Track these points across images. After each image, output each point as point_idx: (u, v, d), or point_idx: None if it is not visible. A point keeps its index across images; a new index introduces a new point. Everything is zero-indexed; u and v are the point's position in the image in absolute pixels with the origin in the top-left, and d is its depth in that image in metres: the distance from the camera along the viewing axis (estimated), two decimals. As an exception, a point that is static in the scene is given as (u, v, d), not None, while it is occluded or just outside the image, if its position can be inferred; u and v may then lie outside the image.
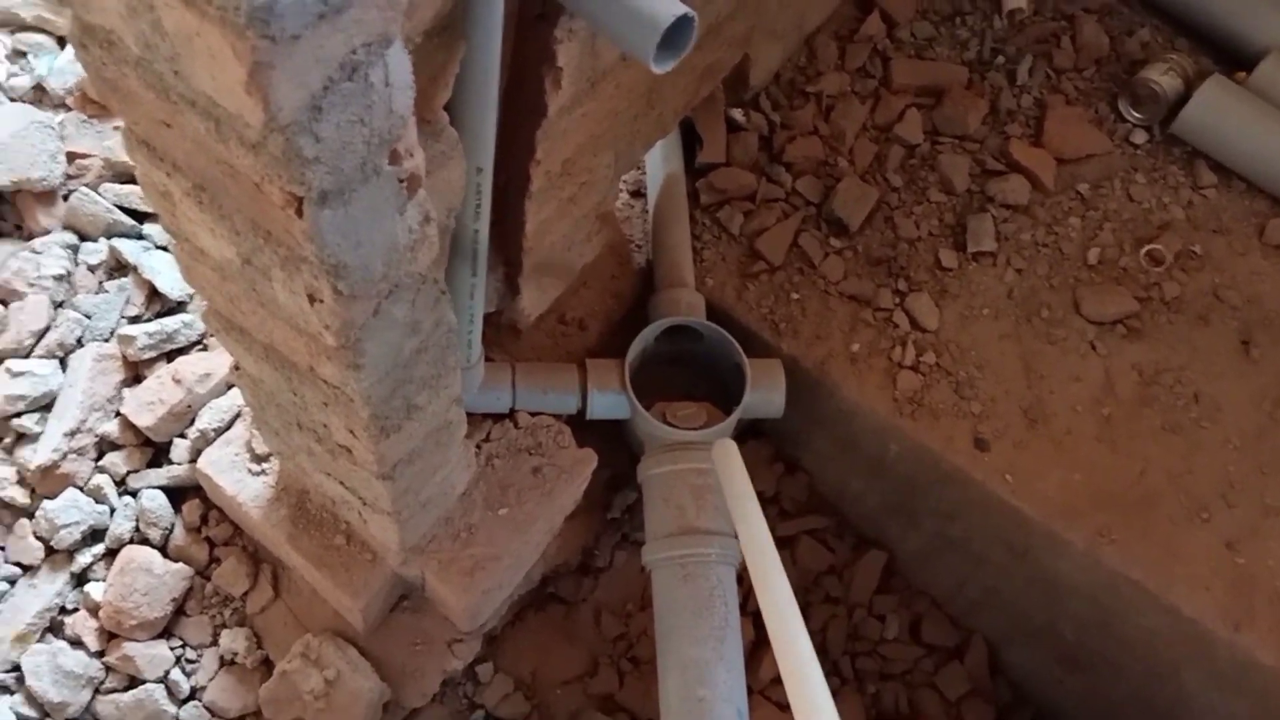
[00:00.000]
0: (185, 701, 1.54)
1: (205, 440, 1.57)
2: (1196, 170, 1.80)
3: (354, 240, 0.80)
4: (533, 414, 1.52)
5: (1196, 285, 1.72)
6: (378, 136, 0.75)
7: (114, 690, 1.53)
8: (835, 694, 1.77)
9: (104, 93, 0.80)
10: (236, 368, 1.21)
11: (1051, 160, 1.77)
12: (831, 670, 1.83)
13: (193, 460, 1.57)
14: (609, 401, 1.54)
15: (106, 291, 1.71)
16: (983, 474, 1.59)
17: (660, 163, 1.71)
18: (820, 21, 1.84)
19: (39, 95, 1.86)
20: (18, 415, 1.60)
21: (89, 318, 1.68)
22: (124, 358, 1.65)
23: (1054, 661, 1.78)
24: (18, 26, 1.92)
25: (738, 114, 1.76)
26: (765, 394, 1.59)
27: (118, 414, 1.62)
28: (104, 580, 1.56)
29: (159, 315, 1.70)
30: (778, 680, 1.79)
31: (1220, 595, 1.52)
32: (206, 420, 1.60)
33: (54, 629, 1.56)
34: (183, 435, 1.62)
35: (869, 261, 1.71)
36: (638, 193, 1.80)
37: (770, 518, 1.86)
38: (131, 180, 1.80)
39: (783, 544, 1.85)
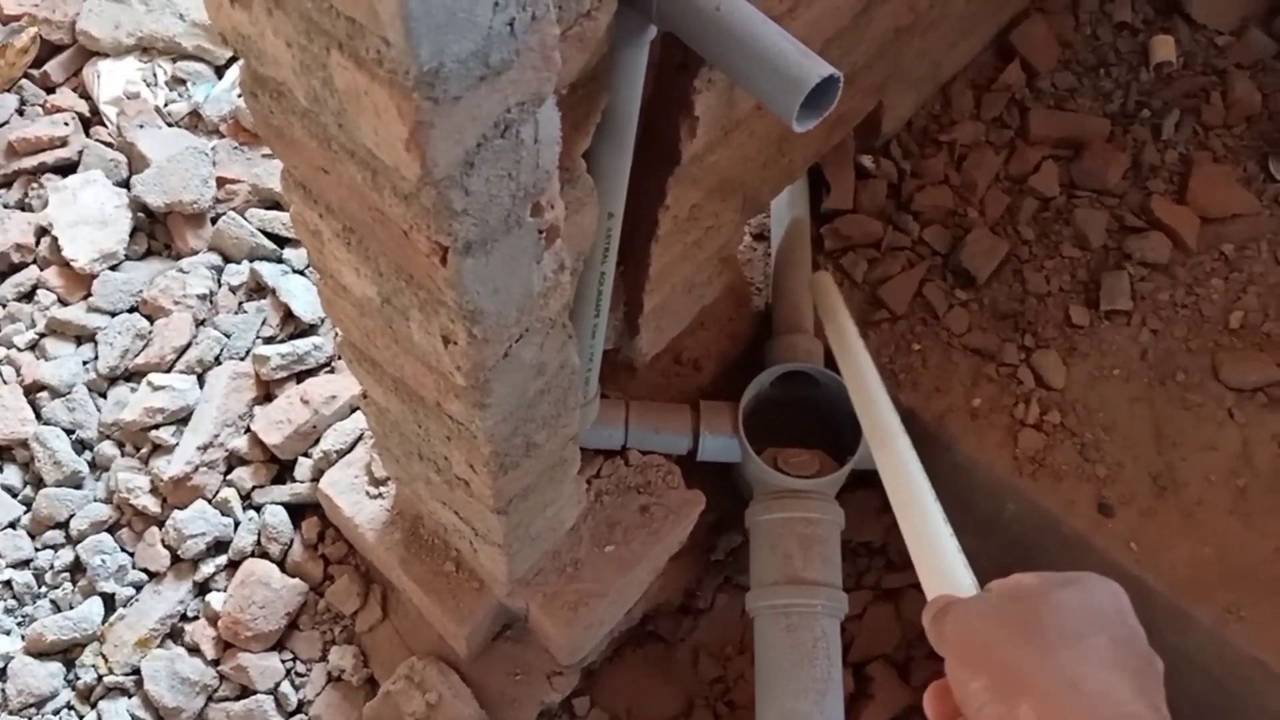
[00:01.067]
0: (293, 714, 1.58)
1: (328, 461, 1.61)
2: (1350, 235, 1.71)
3: (492, 287, 0.82)
4: (644, 452, 1.52)
5: (1346, 355, 1.63)
6: (523, 190, 0.76)
7: (226, 699, 1.58)
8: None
9: (269, 138, 0.84)
10: (364, 396, 1.24)
11: (1195, 219, 1.71)
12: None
13: (314, 479, 1.62)
14: (720, 444, 1.53)
15: (245, 312, 1.78)
16: (1105, 541, 1.53)
17: (786, 207, 1.71)
18: (957, 70, 1.81)
19: (195, 121, 1.96)
20: (156, 427, 1.67)
21: (228, 336, 1.76)
22: (257, 376, 1.71)
23: (1172, 742, 1.70)
24: (179, 55, 2.02)
25: (867, 160, 1.75)
26: (881, 446, 1.56)
27: (248, 430, 1.68)
28: (224, 591, 1.61)
29: (292, 337, 1.76)
30: (877, 736, 1.76)
31: (1356, 685, 1.44)
32: (330, 442, 1.65)
33: (174, 635, 1.61)
34: (307, 454, 1.67)
35: (995, 315, 1.67)
36: (761, 235, 1.79)
37: (877, 569, 1.84)
38: (276, 206, 1.88)
39: (889, 596, 1.82)
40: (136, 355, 1.75)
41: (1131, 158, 1.76)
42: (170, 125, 1.95)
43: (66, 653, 1.61)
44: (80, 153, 1.93)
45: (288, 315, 1.77)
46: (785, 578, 1.49)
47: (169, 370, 1.73)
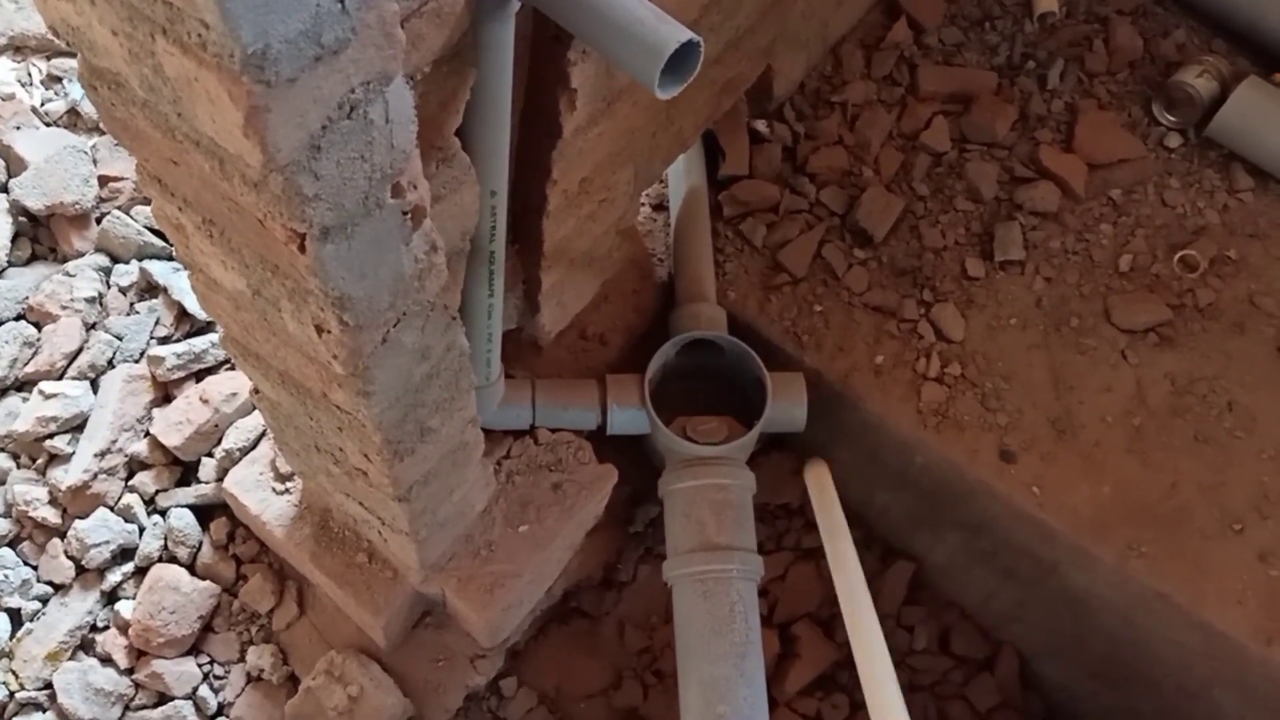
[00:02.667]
0: (214, 718, 1.56)
1: (231, 460, 1.58)
2: (1232, 174, 1.76)
3: (358, 273, 0.80)
4: (553, 430, 1.52)
5: (1232, 292, 1.68)
6: (379, 172, 0.75)
7: (144, 707, 1.55)
8: (862, 706, 1.77)
9: (115, 131, 0.81)
10: (256, 391, 1.22)
11: (1083, 166, 1.74)
12: (859, 682, 1.81)
13: (219, 479, 1.59)
14: (629, 417, 1.53)
15: (137, 313, 1.73)
16: (1009, 487, 1.57)
17: (682, 176, 1.70)
18: (845, 30, 1.82)
19: (73, 120, 1.90)
20: (50, 436, 1.63)
21: (120, 339, 1.71)
22: (153, 378, 1.67)
23: (1086, 676, 1.75)
24: (53, 52, 1.96)
25: (761, 125, 1.75)
26: (787, 408, 1.58)
27: (147, 434, 1.64)
28: (133, 598, 1.58)
29: (188, 335, 1.72)
30: (804, 692, 1.79)
31: (1253, 610, 1.49)
32: (233, 440, 1.62)
33: (85, 647, 1.58)
34: (210, 454, 1.64)
35: (894, 272, 1.69)
36: (660, 206, 1.79)
37: (795, 530, 1.87)
38: (161, 201, 1.83)
39: (809, 555, 1.85)
40: (26, 364, 1.70)
41: (1019, 109, 1.79)
42: (48, 125, 1.88)
43: (-26, 673, 1.57)
44: (-46, 158, 1.86)
45: (182, 314, 1.72)
46: (699, 544, 1.50)
47: (60, 377, 1.68)
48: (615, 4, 0.84)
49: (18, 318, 1.74)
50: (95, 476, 1.60)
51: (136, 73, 0.68)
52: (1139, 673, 1.66)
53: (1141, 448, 1.58)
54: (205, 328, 1.73)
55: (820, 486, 1.70)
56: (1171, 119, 1.79)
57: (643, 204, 1.77)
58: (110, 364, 1.70)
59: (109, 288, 1.76)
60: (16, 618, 1.59)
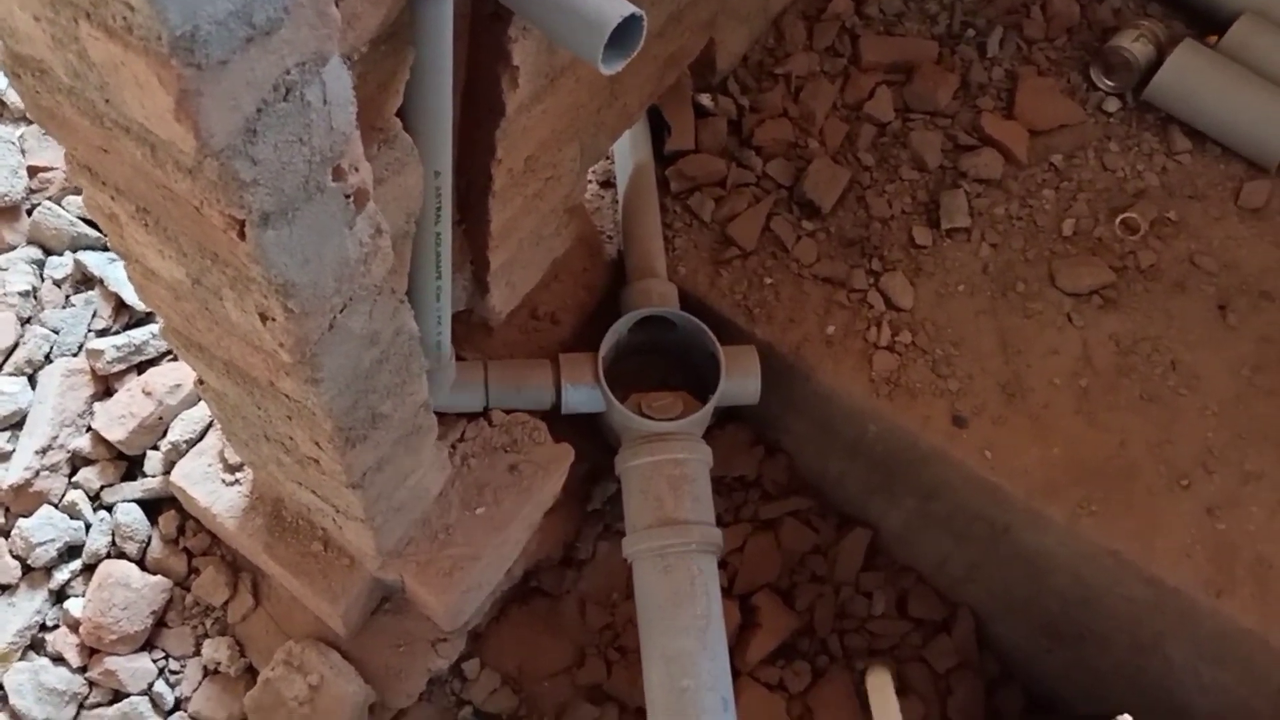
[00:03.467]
0: (170, 713, 1.54)
1: (178, 452, 1.55)
2: (1170, 136, 1.79)
3: (301, 258, 0.79)
4: (507, 411, 1.51)
5: (1172, 253, 1.71)
6: (319, 155, 0.73)
7: (99, 705, 1.53)
8: (824, 672, 1.80)
9: (42, 120, 0.79)
10: (200, 382, 1.20)
11: (1024, 132, 1.76)
12: (820, 649, 1.83)
13: (166, 472, 1.56)
14: (583, 395, 1.53)
15: (74, 305, 1.69)
16: (961, 451, 1.59)
17: (628, 152, 1.69)
18: (787, 2, 1.82)
19: (-1, 109, 1.84)
20: (-12, 434, 1.59)
21: (56, 333, 1.67)
22: (93, 371, 1.63)
23: (1040, 634, 1.79)
24: (-30, 38, 1.89)
25: (705, 99, 1.74)
26: (741, 381, 1.58)
27: (89, 429, 1.60)
28: (83, 596, 1.55)
29: (127, 327, 1.68)
30: (766, 661, 1.80)
31: (1202, 563, 1.53)
32: (178, 432, 1.59)
33: (35, 646, 1.55)
34: (155, 448, 1.61)
35: (842, 243, 1.70)
36: (607, 183, 1.78)
37: (753, 501, 1.88)
38: (94, 189, 1.78)
39: (767, 526, 1.86)
40: (-40, 361, 1.65)
41: (960, 77, 1.80)
42: (-28, 115, 1.82)
43: (-80, 678, 1.53)
44: (-124, 151, 1.80)
45: (120, 305, 1.69)
46: (658, 520, 1.50)
47: (-3, 374, 1.64)
48: (555, -22, 0.83)
49: (-51, 314, 1.69)
50: (37, 474, 1.56)
51: (61, 59, 0.66)
52: (1091, 629, 1.69)
53: (1089, 408, 1.61)
54: (145, 319, 1.70)
55: (883, 697, 1.72)
56: (1109, 84, 1.81)
57: (590, 181, 1.76)
58: (48, 359, 1.66)
59: (43, 281, 1.71)
60: (-38, 621, 1.55)
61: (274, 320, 0.84)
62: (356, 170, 0.79)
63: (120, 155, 0.74)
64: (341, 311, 0.89)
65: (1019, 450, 1.58)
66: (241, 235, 0.72)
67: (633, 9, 0.83)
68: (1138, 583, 1.56)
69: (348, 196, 0.79)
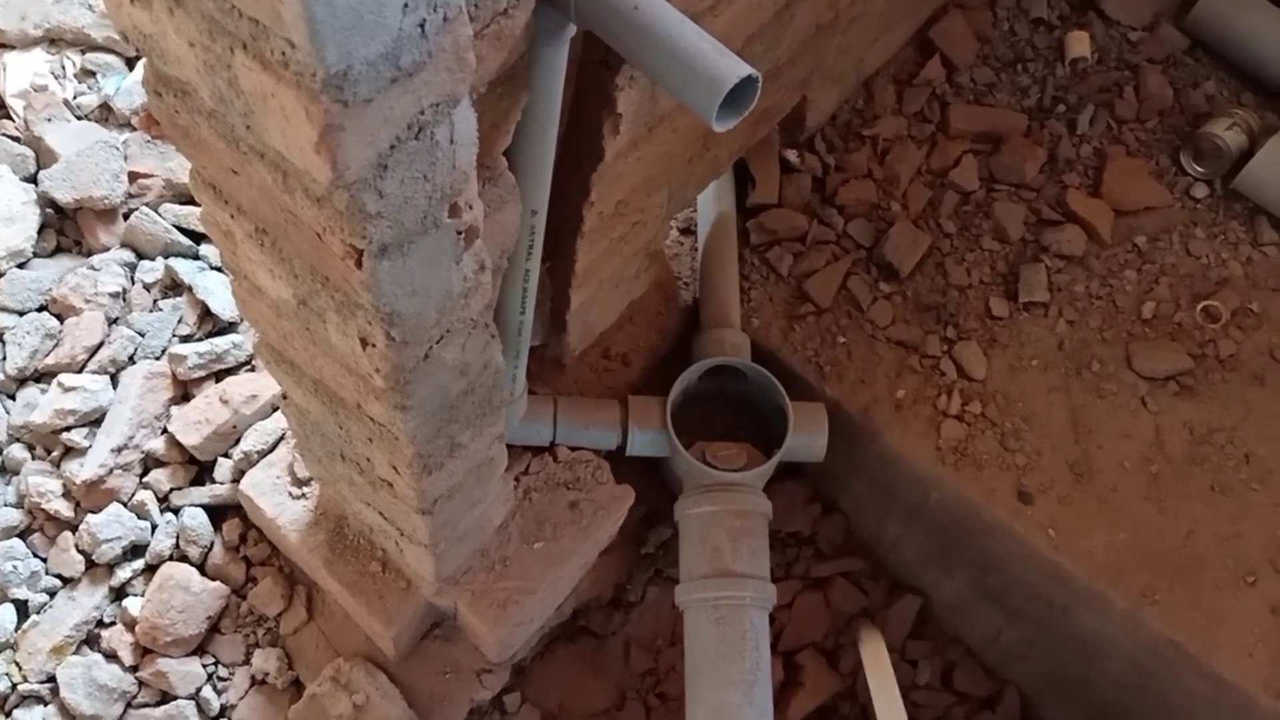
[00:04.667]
0: (215, 719, 1.55)
1: (249, 461, 1.58)
2: (1257, 227, 1.77)
3: (409, 289, 0.81)
4: (573, 449, 1.52)
5: (1253, 344, 1.69)
6: (440, 191, 0.75)
7: (146, 705, 1.54)
8: (865, 741, 1.78)
9: (175, 137, 0.81)
10: (284, 397, 1.22)
11: (1109, 212, 1.75)
12: (861, 714, 1.81)
13: (235, 480, 1.59)
14: (649, 439, 1.53)
15: (160, 310, 1.73)
16: (1025, 528, 1.57)
17: (712, 202, 1.71)
18: (879, 65, 1.83)
19: (105, 114, 1.90)
20: (67, 429, 1.62)
21: (142, 335, 1.71)
22: (174, 376, 1.67)
23: (1088, 719, 1.75)
24: (88, 46, 1.96)
25: (792, 155, 1.76)
26: (808, 437, 1.58)
27: (164, 431, 1.63)
28: (142, 596, 1.57)
29: (210, 335, 1.72)
30: (806, 722, 1.78)
31: (1263, 662, 1.49)
32: (251, 442, 1.61)
33: (90, 642, 1.57)
34: (227, 455, 1.64)
35: (918, 308, 1.69)
36: (688, 230, 1.79)
37: (806, 559, 1.86)
38: (191, 201, 1.83)
39: (817, 585, 1.85)
40: (46, 355, 1.69)
41: (1048, 152, 1.79)
42: (80, 118, 1.88)
43: (-22, 662, 1.56)
44: (-15, 147, 1.86)
45: (205, 313, 1.72)
46: (714, 571, 1.50)
47: (80, 370, 1.67)
48: (676, 35, 0.84)
49: (40, 309, 1.74)
50: (110, 471, 1.59)
51: (209, 84, 0.68)
52: (1143, 718, 1.65)
53: (1158, 495, 1.58)
54: (227, 328, 1.73)
55: (876, 661, 1.70)
56: (1199, 169, 1.80)
57: (670, 227, 1.77)
58: (131, 360, 1.69)
59: (133, 284, 1.76)
60: (23, 609, 1.58)
61: (374, 346, 0.86)
62: (471, 208, 0.81)
63: (249, 178, 0.77)
64: (438, 342, 0.91)
65: (1084, 531, 1.56)
66: (359, 264, 0.74)
67: (750, 70, 0.84)
68: (1196, 676, 1.52)
69: (460, 233, 0.81)
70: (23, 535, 1.61)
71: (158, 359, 1.69)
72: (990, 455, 1.60)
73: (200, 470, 1.65)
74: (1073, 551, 1.55)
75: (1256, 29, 1.84)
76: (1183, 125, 1.84)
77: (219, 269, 1.78)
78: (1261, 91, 1.87)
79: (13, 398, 1.69)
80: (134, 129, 1.88)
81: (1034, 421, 1.62)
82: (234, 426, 1.62)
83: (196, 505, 1.62)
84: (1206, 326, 1.69)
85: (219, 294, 1.72)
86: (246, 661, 1.59)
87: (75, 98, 1.90)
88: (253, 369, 1.69)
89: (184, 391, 1.67)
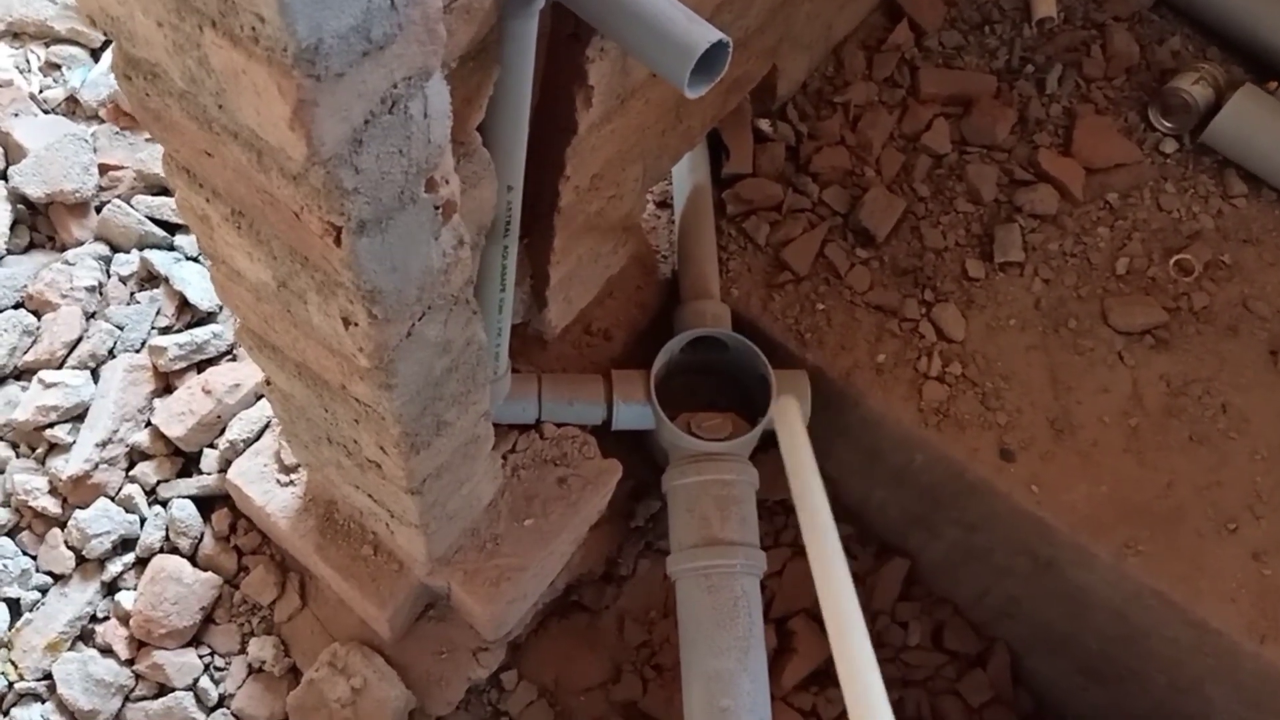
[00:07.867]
0: (214, 709, 1.56)
1: (235, 451, 1.58)
2: (1227, 180, 1.78)
3: (389, 266, 0.81)
4: (558, 425, 1.52)
5: (1226, 296, 1.71)
6: (416, 166, 0.75)
7: (144, 698, 1.55)
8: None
9: (147, 121, 0.81)
10: (268, 383, 1.22)
11: (1080, 170, 1.76)
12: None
13: (222, 470, 1.59)
14: (634, 412, 1.54)
15: (138, 302, 1.73)
16: (1008, 485, 1.59)
17: (687, 174, 1.71)
18: (848, 31, 1.83)
19: (72, 107, 1.88)
20: (50, 426, 1.62)
21: (121, 329, 1.70)
22: (155, 368, 1.66)
23: (1077, 672, 1.78)
24: (51, 39, 1.94)
25: (765, 124, 1.76)
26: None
27: (148, 424, 1.63)
28: (134, 589, 1.58)
29: (189, 326, 1.72)
30: (800, 687, 1.80)
31: (1246, 608, 1.52)
32: (236, 431, 1.61)
33: (85, 637, 1.58)
34: (212, 445, 1.64)
35: (895, 272, 1.70)
36: (664, 203, 1.80)
37: (794, 526, 1.88)
38: (163, 192, 1.82)
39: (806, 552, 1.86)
40: (25, 352, 1.69)
41: (1018, 113, 1.80)
42: (46, 112, 1.87)
43: (-28, 663, 1.56)
44: (-49, 145, 1.85)
45: (183, 304, 1.72)
46: (703, 540, 1.51)
47: (60, 366, 1.67)
48: (646, 3, 0.85)
49: (16, 306, 1.73)
50: (96, 466, 1.59)
51: (179, 64, 0.68)
52: (1131, 669, 1.68)
53: (1138, 448, 1.60)
54: (206, 318, 1.73)
55: (789, 427, 1.51)
56: (1167, 125, 1.81)
57: (647, 201, 1.78)
58: (111, 354, 1.69)
59: (109, 277, 1.75)
60: (16, 608, 1.58)
61: (356, 325, 0.86)
62: (447, 183, 0.81)
63: (224, 159, 0.77)
64: (420, 319, 0.91)
65: (1066, 486, 1.58)
66: (338, 241, 0.74)
67: (721, 35, 0.84)
68: (1181, 624, 1.55)
69: (437, 208, 0.82)
70: (11, 534, 1.61)
71: (138, 352, 1.69)
72: (972, 415, 1.62)
73: (186, 462, 1.65)
74: (1055, 506, 1.57)
75: (1220, -17, 1.86)
76: (1150, 82, 1.85)
77: (195, 259, 1.77)
78: (1227, 46, 1.88)
79: (-7, 396, 1.68)
80: (102, 121, 1.86)
81: (1013, 380, 1.64)
82: (218, 416, 1.62)
83: (184, 497, 1.62)
84: (1180, 280, 1.71)
85: (196, 284, 1.71)
86: (242, 650, 1.60)
87: (41, 91, 1.88)
88: (234, 358, 1.69)
89: (166, 383, 1.66)
